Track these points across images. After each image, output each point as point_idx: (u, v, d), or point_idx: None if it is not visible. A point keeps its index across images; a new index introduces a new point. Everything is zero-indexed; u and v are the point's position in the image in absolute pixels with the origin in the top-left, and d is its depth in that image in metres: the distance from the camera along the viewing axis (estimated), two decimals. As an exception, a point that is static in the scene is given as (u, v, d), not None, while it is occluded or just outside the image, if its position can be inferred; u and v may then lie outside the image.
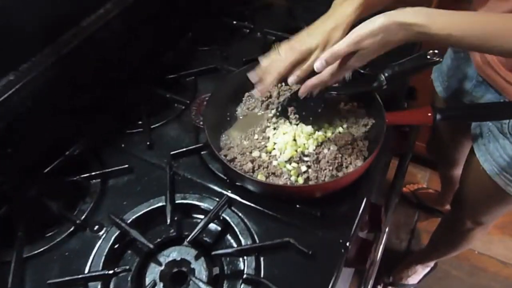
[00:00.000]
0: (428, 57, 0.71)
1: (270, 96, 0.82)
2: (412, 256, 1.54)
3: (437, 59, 0.70)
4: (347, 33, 0.62)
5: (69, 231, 0.69)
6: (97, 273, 0.63)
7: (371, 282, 0.85)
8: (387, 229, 0.92)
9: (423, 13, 0.56)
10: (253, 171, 0.70)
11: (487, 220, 1.09)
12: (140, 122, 0.86)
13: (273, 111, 0.79)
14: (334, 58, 0.60)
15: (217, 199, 0.71)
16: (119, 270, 0.63)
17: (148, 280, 0.64)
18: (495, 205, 0.98)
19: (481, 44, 0.56)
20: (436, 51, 0.70)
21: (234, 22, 1.08)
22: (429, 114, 0.68)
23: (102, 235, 0.69)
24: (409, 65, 0.71)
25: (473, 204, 1.05)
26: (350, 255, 0.77)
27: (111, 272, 0.63)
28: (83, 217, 0.71)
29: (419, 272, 1.51)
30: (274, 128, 0.76)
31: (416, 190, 1.76)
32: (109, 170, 0.77)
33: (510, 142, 0.79)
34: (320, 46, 0.64)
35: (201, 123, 0.75)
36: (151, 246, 0.65)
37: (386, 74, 0.71)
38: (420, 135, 1.39)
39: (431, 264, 1.51)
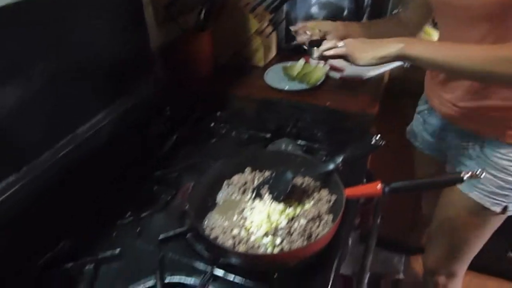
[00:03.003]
0: (372, 142, 0.88)
1: (246, 183, 0.94)
2: None
3: (380, 143, 0.87)
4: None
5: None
6: None
7: None
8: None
9: (421, 45, 0.87)
10: (234, 247, 0.79)
11: (458, 270, 1.19)
12: (130, 213, 0.95)
13: (249, 195, 0.91)
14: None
15: (202, 276, 0.78)
16: None
17: None
18: (469, 233, 1.09)
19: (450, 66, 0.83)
20: (378, 137, 0.87)
21: (212, 124, 1.25)
22: (378, 187, 0.82)
23: (96, 317, 0.74)
24: (357, 150, 0.88)
25: (447, 247, 1.16)
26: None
27: None
28: (78, 301, 0.76)
29: None
30: (251, 209, 0.87)
31: (394, 281, 1.80)
32: (102, 256, 0.84)
33: (476, 163, 1.00)
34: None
35: (186, 207, 0.86)
36: (143, 321, 0.70)
37: (340, 158, 0.87)
38: (393, 218, 1.51)
39: None
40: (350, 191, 0.84)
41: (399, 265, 1.89)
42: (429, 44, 0.92)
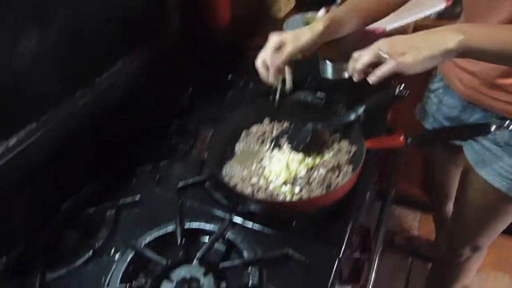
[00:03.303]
0: (396, 92, 0.85)
1: (264, 133, 0.93)
2: None
3: (404, 94, 0.84)
4: (310, 39, 0.81)
5: (87, 257, 0.76)
6: (115, 289, 0.69)
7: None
8: (379, 253, 0.99)
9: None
10: (253, 194, 0.79)
11: (483, 244, 1.15)
12: (149, 162, 0.96)
13: (268, 145, 0.90)
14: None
15: (221, 223, 0.79)
16: (134, 285, 0.70)
17: (161, 295, 0.70)
18: (495, 217, 1.04)
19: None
20: (402, 87, 0.84)
21: (230, 76, 1.23)
22: (401, 138, 0.80)
23: (118, 258, 0.76)
24: (379, 100, 0.85)
25: (471, 225, 1.11)
26: (345, 273, 0.84)
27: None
28: (100, 243, 0.78)
29: None
30: (270, 158, 0.86)
31: (409, 237, 1.80)
32: (123, 202, 0.86)
33: (505, 152, 0.89)
34: (291, 40, 0.81)
35: (205, 156, 0.86)
36: (165, 261, 0.72)
37: (362, 109, 0.85)
38: (410, 175, 1.49)
39: None
40: (371, 142, 0.82)
41: (413, 222, 1.89)
42: (484, 29, 0.70)
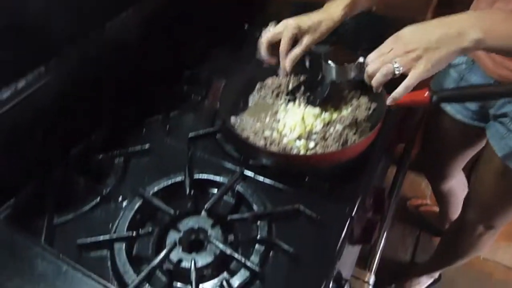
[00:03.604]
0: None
1: (280, 85, 0.89)
2: (417, 268, 1.55)
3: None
4: (330, 28, 0.75)
5: (95, 202, 0.75)
6: (122, 235, 0.68)
7: (375, 262, 0.89)
8: (391, 215, 0.97)
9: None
10: (265, 147, 0.76)
11: (498, 224, 1.11)
12: (159, 112, 0.93)
13: (283, 98, 0.86)
14: None
15: (232, 175, 0.77)
16: (142, 232, 0.69)
17: (168, 243, 0.69)
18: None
19: None
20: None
21: (246, 27, 1.17)
22: (426, 95, 0.75)
23: (126, 205, 0.75)
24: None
25: (488, 206, 1.07)
26: (356, 233, 0.82)
27: (134, 234, 0.68)
28: (108, 189, 0.77)
29: (423, 283, 1.52)
30: (284, 111, 0.83)
31: (419, 205, 1.76)
32: (131, 150, 0.84)
33: None
34: (310, 31, 0.75)
35: (217, 107, 0.82)
36: (171, 211, 0.71)
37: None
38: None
39: (436, 275, 1.52)
40: (392, 98, 0.77)
41: (426, 191, 1.86)
42: (504, 24, 0.63)
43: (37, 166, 0.81)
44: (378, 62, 0.64)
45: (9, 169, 0.79)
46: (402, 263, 1.63)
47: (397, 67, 0.62)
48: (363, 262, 0.91)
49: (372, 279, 0.84)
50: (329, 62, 0.73)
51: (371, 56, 0.67)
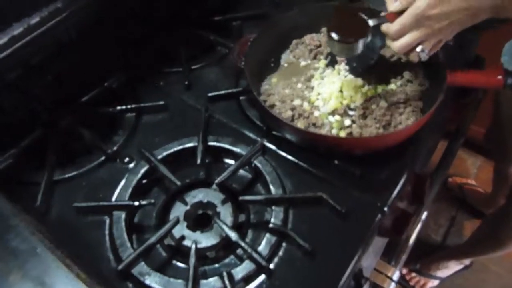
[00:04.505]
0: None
1: (320, 45, 0.75)
2: (447, 250, 1.45)
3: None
4: None
5: (99, 160, 0.69)
6: (122, 203, 0.62)
7: (403, 258, 0.80)
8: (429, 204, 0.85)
9: None
10: (292, 120, 0.65)
11: None
12: (179, 63, 0.83)
13: (322, 61, 0.73)
14: None
15: (251, 146, 0.67)
16: (144, 202, 0.62)
17: (171, 217, 0.62)
18: None
19: None
20: None
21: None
22: (499, 77, 0.60)
23: (131, 168, 0.68)
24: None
25: None
26: (386, 224, 0.72)
27: (136, 203, 0.62)
28: (115, 148, 0.70)
29: (451, 268, 1.42)
30: (321, 78, 0.70)
31: (463, 184, 1.62)
32: (145, 105, 0.76)
33: None
34: None
35: (243, 64, 0.71)
36: (178, 183, 0.63)
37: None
38: (478, 119, 1.27)
39: (467, 262, 1.41)
40: (455, 77, 0.63)
41: (472, 168, 1.70)
42: None
43: (43, 112, 0.75)
44: (403, 43, 0.55)
45: (14, 112, 0.74)
46: (431, 243, 1.53)
47: (423, 52, 0.57)
48: (390, 253, 0.82)
49: (396, 275, 0.75)
50: (332, 34, 0.59)
51: (391, 31, 0.56)
